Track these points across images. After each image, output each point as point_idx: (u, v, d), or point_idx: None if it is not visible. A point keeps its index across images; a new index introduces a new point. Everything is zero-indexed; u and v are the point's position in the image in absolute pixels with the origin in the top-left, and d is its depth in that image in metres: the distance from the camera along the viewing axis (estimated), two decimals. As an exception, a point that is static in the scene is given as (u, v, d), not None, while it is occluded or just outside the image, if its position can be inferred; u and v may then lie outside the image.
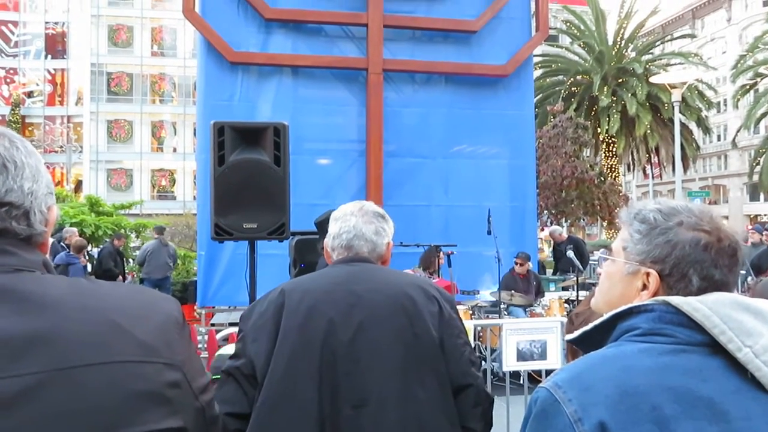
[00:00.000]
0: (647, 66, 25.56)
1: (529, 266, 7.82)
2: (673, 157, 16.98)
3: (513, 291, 7.36)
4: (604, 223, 21.56)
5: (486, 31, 7.96)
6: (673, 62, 25.85)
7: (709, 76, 29.87)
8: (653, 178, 33.42)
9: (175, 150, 39.87)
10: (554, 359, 4.05)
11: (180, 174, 39.26)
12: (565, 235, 11.32)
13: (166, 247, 10.83)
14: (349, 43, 7.80)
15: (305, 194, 6.66)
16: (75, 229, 10.83)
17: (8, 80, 39.06)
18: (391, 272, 1.88)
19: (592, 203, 18.73)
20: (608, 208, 18.83)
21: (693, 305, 0.98)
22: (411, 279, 1.86)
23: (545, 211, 18.68)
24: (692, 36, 35.72)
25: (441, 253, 6.31)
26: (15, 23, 39.12)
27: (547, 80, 27.36)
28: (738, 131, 28.04)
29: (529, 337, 4.10)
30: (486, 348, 6.17)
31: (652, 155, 27.45)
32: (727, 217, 35.56)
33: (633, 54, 27.24)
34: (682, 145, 16.76)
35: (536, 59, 21.08)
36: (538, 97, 23.84)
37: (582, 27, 27.44)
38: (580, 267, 7.17)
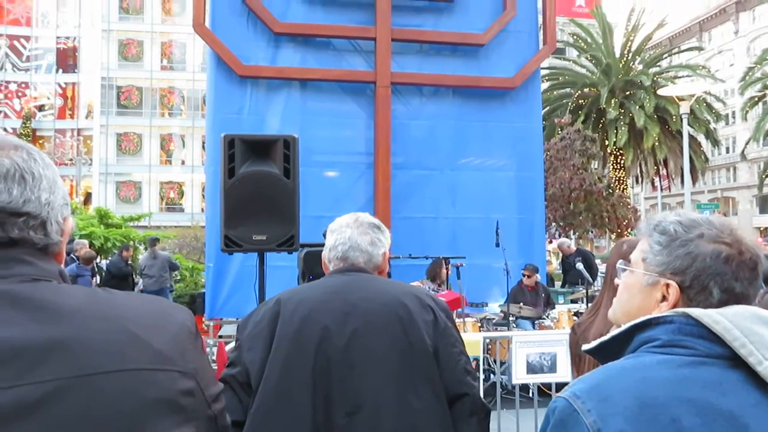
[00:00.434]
0: (655, 78, 25.56)
1: (537, 278, 7.78)
2: (682, 169, 16.94)
3: (521, 303, 7.32)
4: (613, 236, 21.46)
5: (494, 44, 7.99)
6: (680, 75, 25.83)
7: (717, 88, 29.83)
8: (662, 190, 33.26)
9: (183, 163, 40.13)
10: (564, 372, 4.02)
11: (188, 186, 39.49)
12: (573, 247, 11.26)
13: (156, 259, 10.70)
14: (357, 56, 7.84)
15: (314, 206, 6.67)
16: (85, 241, 10.88)
17: (20, 94, 39.53)
18: (386, 281, 1.89)
19: (600, 215, 18.68)
20: (617, 221, 18.78)
21: (713, 317, 0.98)
22: (406, 288, 1.87)
23: (553, 224, 18.64)
24: (699, 48, 35.71)
25: (449, 264, 6.29)
26: (27, 38, 39.65)
27: (555, 93, 27.41)
28: (747, 143, 27.93)
29: (539, 350, 4.07)
30: (495, 361, 6.14)
31: (660, 167, 27.36)
32: (736, 230, 35.20)
33: (640, 66, 27.26)
34: (690, 157, 16.71)
35: (543, 72, 21.15)
36: (546, 109, 23.87)
37: (589, 40, 27.51)
38: (590, 279, 7.12)
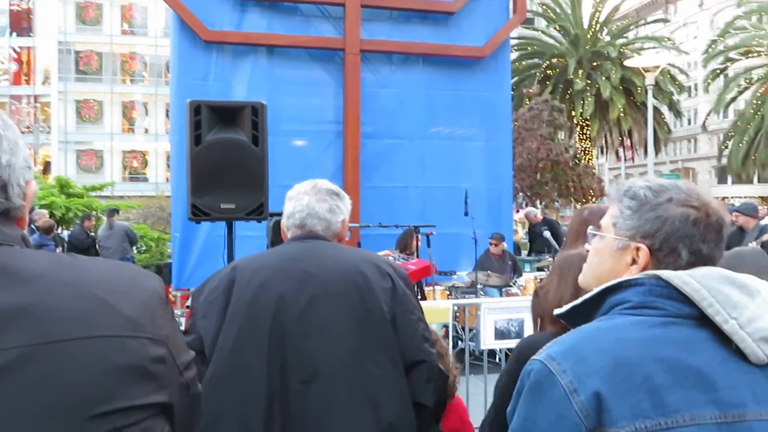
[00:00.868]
0: (621, 50, 25.82)
1: (504, 246, 7.90)
2: (646, 140, 17.27)
3: (489, 271, 7.44)
4: (578, 205, 21.87)
5: (464, 13, 7.92)
6: (646, 46, 26.14)
7: (681, 60, 30.29)
8: (625, 160, 33.91)
9: (146, 131, 39.13)
10: (531, 338, 4.10)
11: (152, 155, 38.59)
12: (540, 216, 11.43)
13: (113, 230, 10.42)
14: (325, 22, 7.69)
15: (282, 175, 6.52)
16: (45, 212, 10.58)
17: (-29, 58, 37.83)
18: (345, 249, 1.88)
19: (566, 185, 18.97)
20: (582, 190, 19.10)
21: (683, 279, 1.00)
22: (364, 255, 1.86)
23: (520, 193, 18.86)
24: (665, 21, 36.09)
25: (419, 234, 6.32)
26: (-23, -1, 37.78)
27: (523, 63, 27.47)
28: (708, 115, 28.60)
29: (507, 316, 4.15)
30: (464, 328, 6.24)
31: (624, 138, 27.84)
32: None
33: (607, 38, 27.48)
34: (654, 128, 17.01)
35: (512, 42, 21.08)
36: (514, 79, 23.91)
37: (558, 10, 27.54)
38: (556, 247, 7.25)
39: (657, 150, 27.56)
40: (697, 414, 0.93)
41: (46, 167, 36.42)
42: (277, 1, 7.51)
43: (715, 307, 0.98)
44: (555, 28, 27.64)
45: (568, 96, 25.74)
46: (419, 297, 5.69)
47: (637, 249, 1.08)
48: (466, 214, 6.72)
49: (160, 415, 0.87)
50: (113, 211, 11.04)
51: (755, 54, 25.97)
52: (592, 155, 26.68)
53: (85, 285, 0.85)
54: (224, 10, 7.38)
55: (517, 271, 8.00)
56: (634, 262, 1.09)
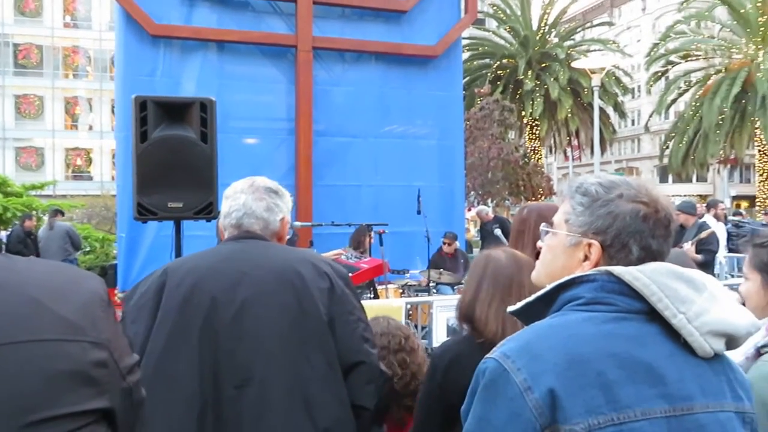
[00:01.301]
0: (569, 51, 26.49)
1: (456, 245, 7.98)
2: (592, 140, 17.77)
3: (441, 270, 7.50)
4: (525, 204, 22.31)
5: (416, 12, 7.97)
6: (592, 48, 26.87)
7: (625, 63, 31.28)
8: (573, 160, 34.82)
9: (91, 128, 37.77)
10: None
11: (97, 153, 37.31)
12: (491, 214, 11.61)
13: (53, 231, 9.98)
14: (277, 19, 7.59)
15: (232, 174, 6.37)
16: (-20, 212, 10.08)
17: None
18: (281, 248, 1.82)
19: (516, 184, 19.34)
20: (532, 189, 19.51)
21: (633, 274, 1.02)
22: (302, 255, 1.81)
23: (472, 192, 19.11)
24: (610, 24, 37.24)
25: (372, 232, 6.32)
26: None
27: (475, 63, 27.84)
28: (650, 116, 29.60)
29: (460, 314, 4.18)
30: (416, 326, 6.27)
31: (572, 138, 28.58)
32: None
33: (556, 40, 28.14)
34: (600, 128, 17.53)
35: (464, 42, 21.35)
36: (466, 79, 24.20)
37: (508, 11, 28.03)
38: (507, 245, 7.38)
39: (603, 149, 28.40)
40: (647, 408, 0.94)
41: (-18, 165, 34.76)
42: (227, -4, 7.37)
43: (664, 302, 1.00)
44: (505, 29, 28.13)
45: (518, 96, 26.24)
46: (372, 296, 5.70)
47: (589, 245, 1.09)
48: (418, 212, 6.75)
49: (102, 421, 0.83)
50: (56, 212, 10.57)
51: (694, 58, 27.07)
52: (541, 154, 27.30)
53: (19, 286, 0.81)
54: (172, 4, 7.20)
55: (468, 268, 8.10)
56: (586, 258, 1.09)
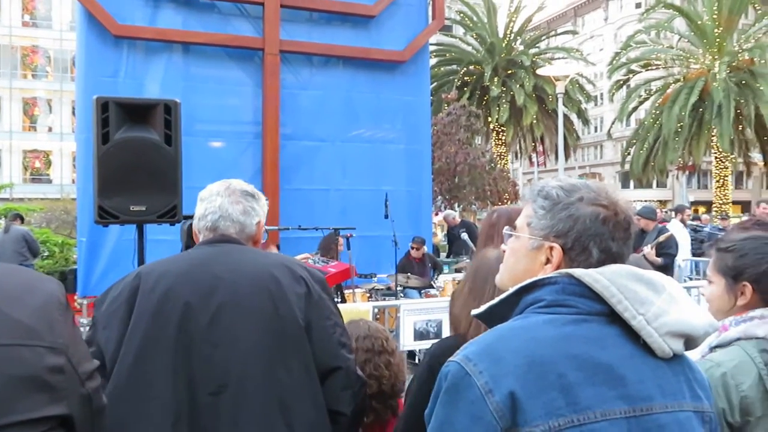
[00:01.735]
0: (534, 59, 26.96)
1: (424, 250, 8.03)
2: (557, 146, 18.07)
3: (409, 274, 7.53)
4: (494, 208, 22.53)
5: (384, 17, 7.99)
6: (557, 56, 27.38)
7: (588, 71, 31.95)
8: (538, 165, 35.38)
9: (50, 129, 36.78)
10: (450, 338, 4.18)
11: (57, 156, 36.34)
12: (458, 219, 11.71)
13: (8, 234, 9.57)
14: (244, 21, 7.52)
15: (198, 177, 6.28)
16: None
17: None
18: (257, 252, 1.79)
19: (483, 189, 19.50)
20: (498, 194, 19.71)
21: (593, 276, 1.03)
22: (278, 259, 1.78)
23: (439, 196, 19.22)
24: (574, 32, 38.01)
25: (340, 237, 6.30)
26: None
27: (442, 69, 28.08)
28: (612, 123, 30.27)
29: (426, 317, 4.21)
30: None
31: (537, 144, 29.06)
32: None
33: (521, 47, 28.60)
34: (564, 135, 17.85)
35: (431, 48, 21.50)
36: (433, 85, 24.41)
37: (475, 18, 28.38)
38: (474, 249, 7.44)
39: (567, 155, 28.95)
40: (607, 410, 0.96)
41: (-65, 167, 33.52)
42: (192, -3, 7.27)
43: (623, 304, 1.01)
44: (472, 36, 28.46)
45: (484, 102, 26.57)
46: (339, 300, 5.68)
47: (551, 248, 1.10)
48: (386, 216, 6.76)
49: (59, 428, 0.81)
50: (16, 216, 10.18)
51: (654, 67, 27.83)
52: (507, 160, 27.68)
53: None
54: (136, 4, 7.06)
55: (437, 268, 8.18)
56: (548, 261, 1.11)
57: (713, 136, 24.53)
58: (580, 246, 1.08)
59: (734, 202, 29.01)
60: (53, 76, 36.57)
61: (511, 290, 1.10)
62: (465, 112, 19.82)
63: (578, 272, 1.04)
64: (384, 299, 7.01)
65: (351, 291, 6.33)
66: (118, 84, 6.88)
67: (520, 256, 1.15)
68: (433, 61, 25.36)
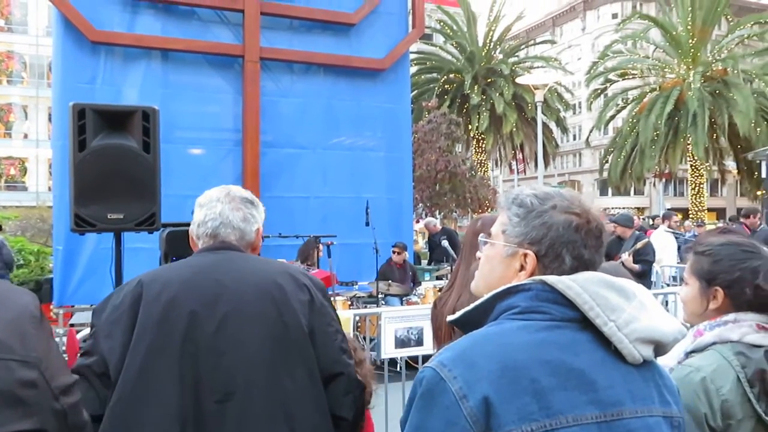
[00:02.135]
0: (513, 68, 27.25)
1: (405, 255, 8.04)
2: (536, 154, 18.27)
3: (390, 281, 7.54)
4: (475, 215, 22.67)
5: (364, 25, 8.02)
6: (536, 65, 27.71)
7: (567, 80, 32.36)
8: (518, 173, 35.68)
9: (26, 136, 36.19)
10: (431, 345, 4.18)
11: (32, 163, 35.75)
12: (439, 226, 11.75)
13: None
14: (224, 28, 7.49)
15: (177, 185, 6.32)
16: None
17: None
18: (260, 260, 1.81)
19: (463, 196, 19.61)
20: (478, 201, 19.82)
21: (566, 283, 1.05)
22: (281, 267, 1.79)
23: (420, 204, 19.27)
24: (552, 42, 38.50)
25: (320, 244, 6.29)
26: None
27: (422, 77, 28.25)
28: (591, 131, 30.70)
29: (407, 325, 4.21)
30: (365, 338, 6.26)
31: (517, 152, 29.32)
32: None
33: (500, 56, 28.90)
34: (543, 143, 18.02)
35: (412, 56, 21.63)
36: (414, 93, 24.55)
37: (455, 27, 28.61)
38: (455, 256, 7.47)
39: (546, 163, 29.26)
40: (579, 414, 0.97)
41: None
42: (171, 3, 7.23)
43: (595, 310, 1.03)
44: (452, 45, 28.68)
45: (464, 110, 26.76)
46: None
47: (525, 255, 1.12)
48: (367, 224, 6.77)
49: None
50: None
51: (631, 76, 28.30)
52: (487, 167, 27.87)
53: None
54: (114, 10, 7.00)
55: (416, 281, 8.18)
56: (522, 268, 1.12)
57: (688, 144, 24.99)
58: (554, 253, 1.10)
59: (709, 209, 29.56)
60: (29, 82, 36.03)
61: (486, 297, 1.11)
62: (445, 120, 19.93)
63: (551, 279, 1.06)
64: (365, 307, 7.01)
65: (332, 299, 6.31)
66: (96, 90, 6.80)
67: (495, 263, 1.17)
68: (413, 69, 25.49)
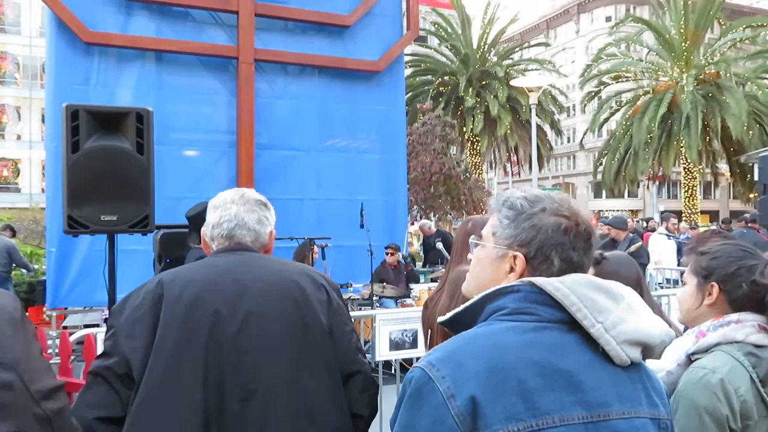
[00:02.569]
0: (507, 70, 27.30)
1: (399, 256, 8.05)
2: (530, 156, 18.31)
3: (385, 283, 7.54)
4: (469, 217, 22.65)
5: (359, 27, 8.03)
6: (530, 68, 27.77)
7: (561, 82, 32.47)
8: (512, 175, 35.75)
9: (19, 137, 36.03)
10: (425, 347, 4.19)
11: (26, 164, 35.59)
12: (433, 228, 11.76)
13: None
14: (218, 30, 7.49)
15: (171, 187, 6.33)
16: None
17: None
18: (278, 261, 1.83)
19: (458, 198, 19.61)
20: (473, 203, 19.82)
21: (554, 285, 1.06)
22: (298, 267, 1.82)
23: (415, 206, 19.27)
24: (546, 45, 38.63)
25: (315, 246, 6.29)
26: None
27: (417, 79, 28.25)
28: (585, 134, 30.78)
29: (401, 327, 4.21)
30: (359, 339, 6.24)
31: (511, 154, 29.38)
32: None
33: (495, 58, 28.94)
34: (537, 145, 18.06)
35: (407, 58, 21.68)
36: (409, 95, 24.54)
37: (449, 30, 28.63)
38: (449, 258, 7.50)
39: (540, 166, 29.32)
40: (566, 415, 0.98)
41: None
42: (165, 4, 7.22)
43: (583, 312, 1.04)
44: (447, 47, 28.71)
45: (459, 112, 26.78)
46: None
47: (514, 257, 1.13)
48: (361, 226, 6.77)
49: None
50: (6, 227, 9.96)
51: (624, 79, 28.39)
52: (481, 170, 27.89)
53: None
54: (108, 11, 6.99)
55: (413, 278, 8.21)
56: (512, 269, 1.13)
57: (682, 147, 25.08)
58: (543, 255, 1.11)
59: (702, 212, 29.66)
60: (22, 83, 35.88)
61: (476, 298, 1.12)
62: (440, 122, 19.93)
63: (540, 281, 1.07)
64: (360, 309, 7.01)
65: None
66: (90, 92, 6.79)
67: (486, 265, 1.18)
68: (408, 71, 25.52)
